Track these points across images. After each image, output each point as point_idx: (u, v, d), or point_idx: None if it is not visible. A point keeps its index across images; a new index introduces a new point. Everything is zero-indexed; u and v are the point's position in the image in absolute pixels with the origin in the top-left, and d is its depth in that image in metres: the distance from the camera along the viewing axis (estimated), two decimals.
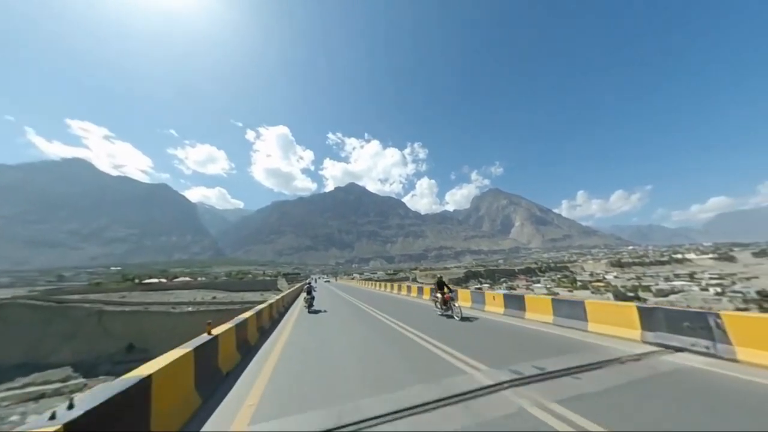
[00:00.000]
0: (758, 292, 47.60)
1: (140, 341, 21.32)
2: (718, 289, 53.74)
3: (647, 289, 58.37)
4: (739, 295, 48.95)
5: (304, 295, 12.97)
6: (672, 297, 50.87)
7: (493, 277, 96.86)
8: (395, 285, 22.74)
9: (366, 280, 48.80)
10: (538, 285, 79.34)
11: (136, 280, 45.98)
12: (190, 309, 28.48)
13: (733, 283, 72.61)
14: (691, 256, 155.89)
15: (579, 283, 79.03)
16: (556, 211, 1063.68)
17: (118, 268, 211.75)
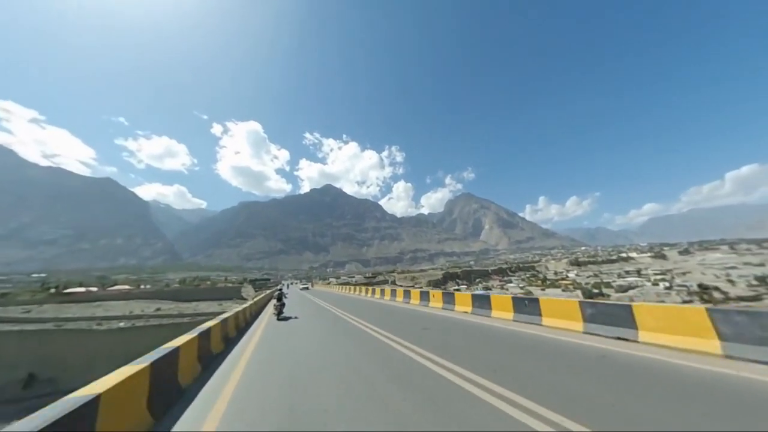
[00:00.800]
0: (699, 286, 53.20)
1: (46, 370, 16.11)
2: (666, 284, 59.83)
3: (609, 285, 63.00)
4: (684, 288, 54.47)
5: (273, 302, 12.02)
6: (630, 292, 55.14)
7: (469, 278, 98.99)
8: (377, 289, 21.54)
9: (343, 284, 45.90)
10: (512, 284, 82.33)
11: (54, 290, 37.50)
12: (121, 324, 23.22)
13: (673, 278, 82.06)
14: (633, 254, 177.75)
15: (548, 282, 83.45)
16: (521, 214, 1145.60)
17: (42, 275, 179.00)
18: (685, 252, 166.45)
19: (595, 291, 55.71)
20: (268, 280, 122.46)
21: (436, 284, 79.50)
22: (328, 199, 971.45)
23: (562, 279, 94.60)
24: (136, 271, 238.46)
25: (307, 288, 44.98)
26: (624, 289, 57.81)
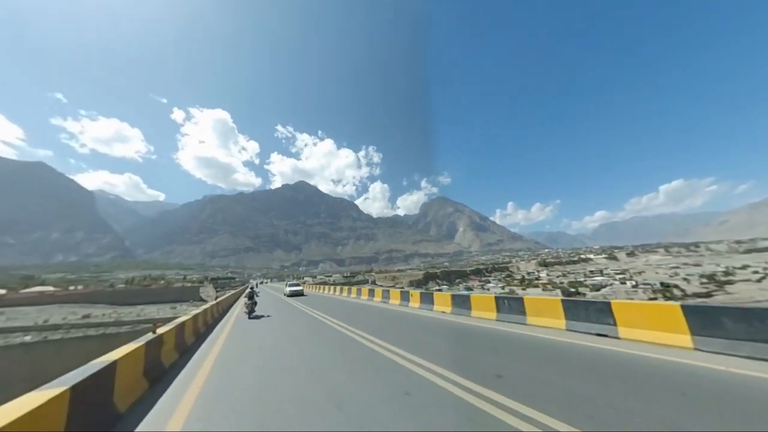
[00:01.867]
0: (662, 284, 56.68)
1: None
2: (633, 282, 63.66)
3: (582, 284, 65.48)
4: (649, 286, 57.83)
5: (244, 300, 11.72)
6: (603, 291, 57.32)
7: (449, 278, 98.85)
8: (353, 289, 19.69)
9: (320, 284, 41.63)
10: (491, 284, 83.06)
11: None
12: (27, 338, 17.21)
13: (632, 276, 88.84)
14: (591, 256, 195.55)
15: (527, 282, 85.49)
16: (492, 218, 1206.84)
17: None
18: (631, 254, 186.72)
19: (572, 290, 57.15)
20: (233, 279, 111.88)
21: (417, 284, 77.53)
22: (302, 197, 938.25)
23: (537, 279, 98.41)
24: (76, 270, 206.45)
25: (298, 293, 22.56)
26: (597, 287, 60.38)
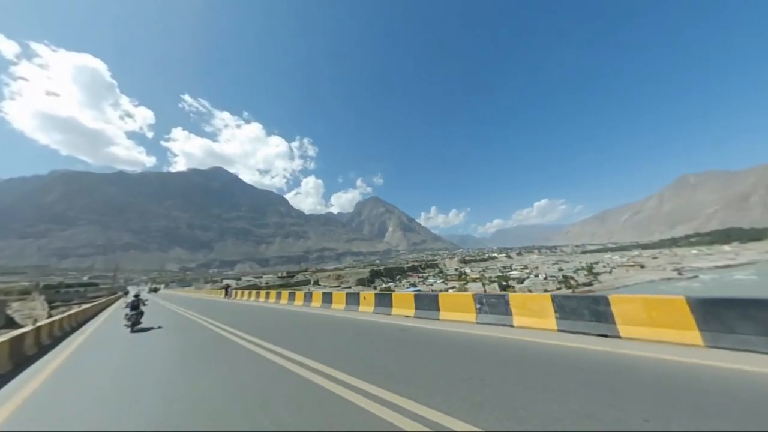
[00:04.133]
0: (564, 276, 68.95)
1: None
2: (543, 276, 76.28)
3: (508, 278, 74.22)
4: (555, 278, 69.67)
5: (126, 311, 9.58)
6: (526, 283, 65.75)
7: (392, 275, 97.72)
8: (284, 293, 15.42)
9: (248, 288, 31.20)
10: (430, 281, 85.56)
11: None
12: None
13: (531, 271, 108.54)
14: (496, 255, 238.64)
15: (465, 277, 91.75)
16: (417, 220, 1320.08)
17: None
18: (519, 254, 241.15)
19: (504, 283, 63.24)
20: (96, 285, 79.62)
21: (365, 282, 72.31)
22: (217, 185, 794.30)
23: (465, 274, 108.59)
24: None
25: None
26: (521, 281, 69.42)
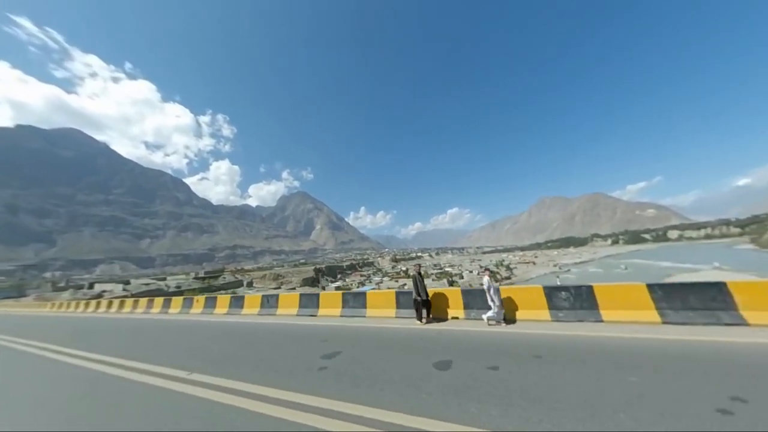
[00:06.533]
0: (492, 271, 78.88)
1: None
2: (477, 272, 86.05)
3: (449, 275, 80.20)
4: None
5: None
6: (466, 277, 72.17)
7: (333, 273, 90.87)
8: (199, 300, 11.60)
9: (145, 295, 21.87)
10: (377, 279, 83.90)
11: None
12: None
13: (455, 268, 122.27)
14: (421, 255, 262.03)
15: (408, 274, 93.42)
16: (347, 219, 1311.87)
17: None
18: (437, 254, 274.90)
19: (452, 279, 67.62)
20: None
21: (311, 282, 63.55)
22: (70, 154, 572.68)
23: (404, 272, 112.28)
24: None
25: None
26: (460, 275, 76.09)
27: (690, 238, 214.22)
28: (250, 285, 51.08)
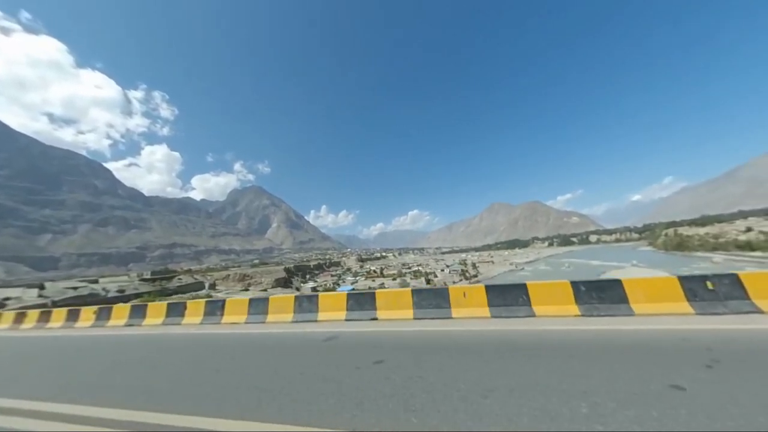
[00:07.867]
0: (463, 270, 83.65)
1: None
2: (449, 270, 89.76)
3: (422, 273, 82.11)
4: (456, 271, 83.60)
5: None
6: (440, 276, 74.74)
7: (303, 275, 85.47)
8: (122, 309, 8.93)
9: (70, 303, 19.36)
10: (351, 279, 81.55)
11: None
12: None
13: (423, 267, 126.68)
14: (385, 255, 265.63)
15: (384, 275, 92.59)
16: (306, 218, 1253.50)
17: None
18: (400, 254, 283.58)
19: (424, 278, 69.22)
20: None
21: (284, 282, 58.29)
22: None
23: (374, 271, 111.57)
24: None
25: None
26: (434, 274, 78.53)
27: (605, 242, 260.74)
28: (212, 287, 43.73)
